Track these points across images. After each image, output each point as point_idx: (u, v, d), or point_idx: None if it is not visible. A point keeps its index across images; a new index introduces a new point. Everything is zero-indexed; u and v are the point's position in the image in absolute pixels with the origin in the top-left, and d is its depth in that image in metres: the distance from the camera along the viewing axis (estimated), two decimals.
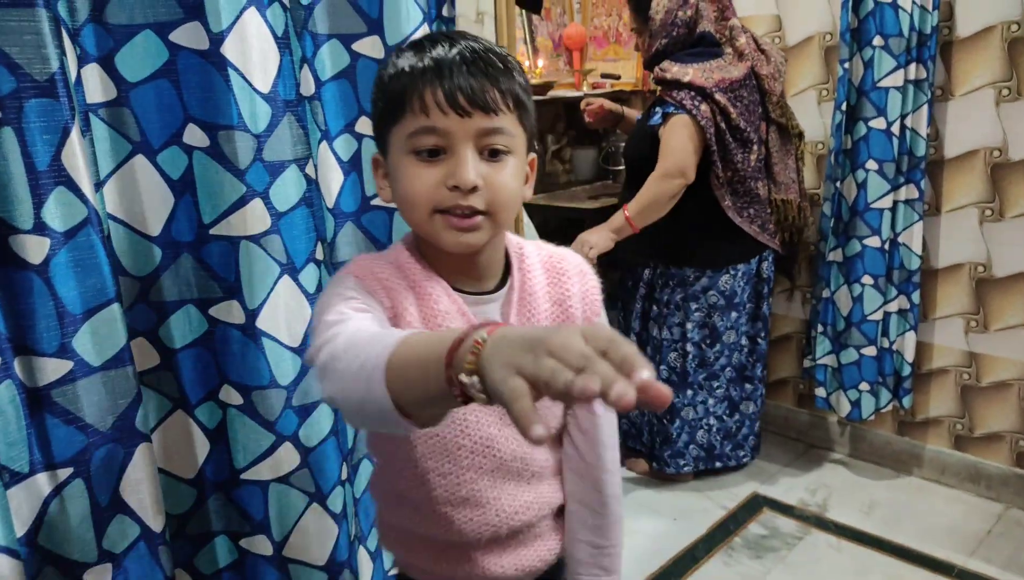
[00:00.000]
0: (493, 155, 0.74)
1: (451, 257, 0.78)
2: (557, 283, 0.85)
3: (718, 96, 1.94)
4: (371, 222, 1.20)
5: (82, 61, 0.93)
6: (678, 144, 1.98)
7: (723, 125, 1.96)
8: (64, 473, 0.85)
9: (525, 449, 0.83)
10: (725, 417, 2.26)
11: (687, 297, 2.16)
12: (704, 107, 1.95)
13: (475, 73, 0.72)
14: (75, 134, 0.79)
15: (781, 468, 2.40)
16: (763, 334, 2.26)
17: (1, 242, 0.79)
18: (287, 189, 1.02)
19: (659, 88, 2.06)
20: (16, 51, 0.76)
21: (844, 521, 2.11)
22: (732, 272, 2.14)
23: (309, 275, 1.06)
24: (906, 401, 2.24)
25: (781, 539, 2.05)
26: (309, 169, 1.06)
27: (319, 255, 1.09)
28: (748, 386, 2.27)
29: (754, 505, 2.21)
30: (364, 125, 1.16)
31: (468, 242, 0.75)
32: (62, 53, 0.79)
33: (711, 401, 2.23)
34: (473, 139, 0.73)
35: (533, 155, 0.82)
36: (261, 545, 1.07)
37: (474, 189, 0.72)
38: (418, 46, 0.75)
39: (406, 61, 0.74)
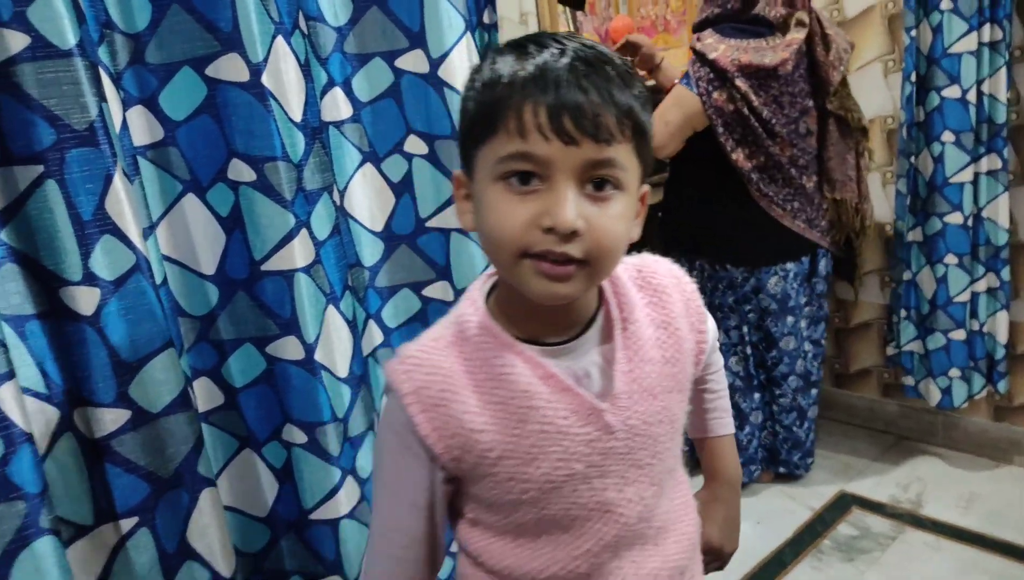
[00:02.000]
0: (599, 188, 0.61)
1: (538, 314, 0.67)
2: (657, 303, 0.73)
3: (739, 82, 1.83)
4: (427, 244, 1.17)
5: (127, 105, 0.93)
6: (662, 115, 1.91)
7: (746, 111, 1.86)
8: (128, 523, 0.84)
9: (651, 507, 0.72)
10: (795, 427, 2.15)
11: (738, 300, 2.06)
12: (718, 95, 1.85)
13: (587, 88, 0.58)
14: (118, 180, 0.78)
15: (869, 463, 2.28)
16: (824, 336, 2.15)
17: (52, 295, 0.78)
18: (322, 217, 1.00)
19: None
20: (54, 102, 0.75)
21: (941, 518, 1.99)
22: (781, 273, 2.02)
23: (347, 303, 1.04)
24: (1002, 385, 2.10)
25: (873, 539, 1.94)
26: (335, 196, 1.04)
27: (350, 281, 1.07)
28: (814, 391, 2.16)
29: (842, 504, 2.10)
30: (413, 144, 1.13)
31: (558, 293, 0.62)
32: (101, 100, 0.78)
33: (775, 408, 2.13)
34: (577, 172, 0.59)
35: (646, 187, 0.68)
36: None
37: (573, 234, 0.59)
38: (520, 48, 0.62)
39: (504, 66, 0.61)
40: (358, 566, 1.07)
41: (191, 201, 0.97)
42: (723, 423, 0.89)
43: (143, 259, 0.81)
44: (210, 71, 0.92)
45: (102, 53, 0.88)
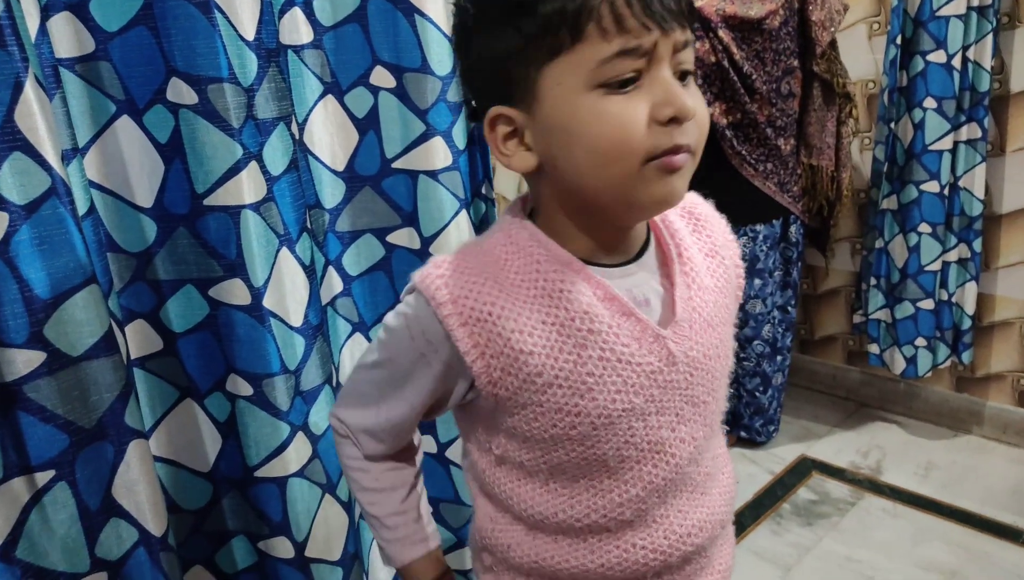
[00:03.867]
0: (683, 79, 0.57)
1: (605, 228, 0.61)
2: (702, 231, 0.69)
3: (722, 32, 1.76)
4: (393, 187, 1.08)
5: (49, 10, 0.82)
6: None
7: (727, 63, 1.79)
8: (44, 477, 0.75)
9: (702, 449, 0.67)
10: (758, 393, 2.13)
11: None
12: (699, 44, 1.78)
13: None
14: (31, 90, 0.68)
15: (830, 429, 2.28)
16: (793, 302, 2.11)
17: None
18: (277, 150, 0.91)
19: None
20: None
21: (900, 484, 1.99)
22: (751, 234, 1.97)
23: (304, 246, 0.95)
24: (966, 356, 2.10)
25: (832, 504, 1.94)
26: (293, 128, 0.95)
27: (308, 223, 0.98)
28: (779, 358, 2.13)
29: (802, 469, 2.09)
30: (379, 77, 1.04)
31: (677, 191, 0.58)
32: None
33: (739, 371, 2.10)
34: (672, 57, 0.56)
35: None
36: (282, 547, 0.98)
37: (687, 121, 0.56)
38: None
39: None
40: (307, 528, 1.00)
41: (125, 123, 0.87)
42: None
43: (61, 183, 0.71)
44: None
45: None
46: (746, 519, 1.90)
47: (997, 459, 2.09)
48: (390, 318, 0.65)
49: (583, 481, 0.64)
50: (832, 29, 1.86)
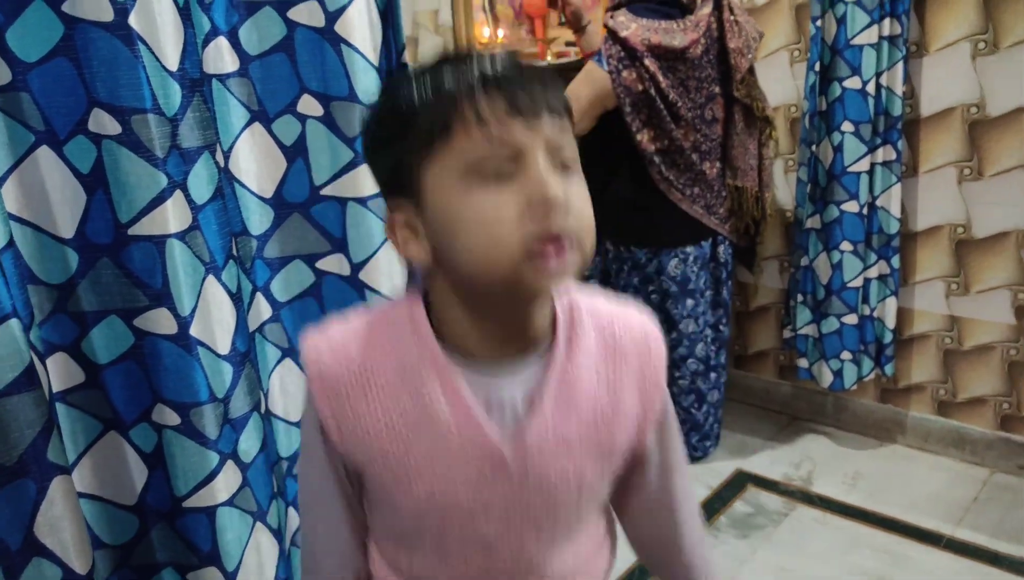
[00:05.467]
0: (563, 169, 0.59)
1: (497, 318, 0.63)
2: (611, 359, 0.68)
3: (647, 61, 1.83)
4: (322, 214, 1.09)
5: None
6: (573, 91, 1.87)
7: (653, 92, 1.86)
8: None
9: (531, 553, 0.69)
10: (693, 410, 2.18)
11: (642, 281, 2.07)
12: (627, 73, 1.84)
13: (530, 78, 0.59)
14: None
15: (764, 442, 2.34)
16: (724, 321, 2.18)
17: None
18: (201, 179, 0.91)
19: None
20: None
21: (829, 494, 2.06)
22: (681, 256, 2.04)
23: (230, 273, 0.95)
24: (888, 368, 2.19)
25: (767, 516, 2.00)
26: (218, 156, 0.95)
27: (234, 250, 0.99)
28: (713, 375, 2.19)
29: (738, 482, 2.15)
30: (307, 105, 1.05)
31: (555, 283, 0.59)
32: None
33: (674, 389, 2.15)
34: (543, 149, 0.58)
35: None
36: (212, 578, 0.97)
37: (565, 204, 0.57)
38: (441, 62, 0.60)
39: (435, 77, 0.58)
40: (237, 557, 0.99)
41: (46, 154, 0.86)
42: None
43: None
44: (67, 7, 0.81)
45: None
46: None
47: (920, 467, 2.18)
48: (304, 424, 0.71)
49: (418, 550, 0.69)
50: (749, 56, 1.94)
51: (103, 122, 0.85)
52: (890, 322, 2.14)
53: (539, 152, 0.57)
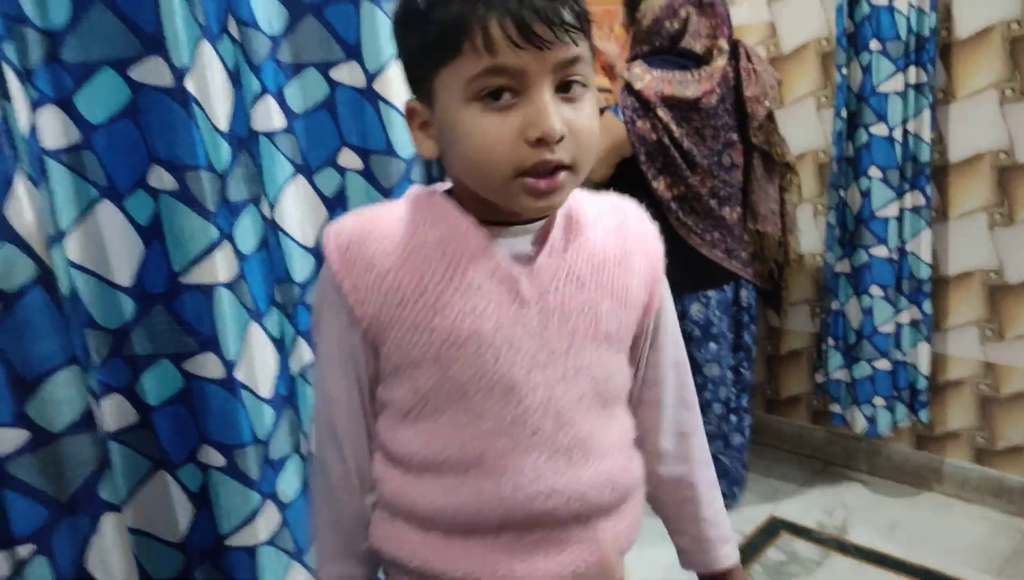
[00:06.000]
0: (568, 89, 0.60)
1: (495, 213, 0.66)
2: (611, 213, 0.72)
3: (660, 112, 1.88)
4: None
5: (38, 104, 0.88)
6: None
7: (667, 141, 1.90)
8: (25, 550, 0.78)
9: (561, 406, 0.67)
10: (720, 455, 2.17)
11: None
12: (641, 123, 1.89)
13: None
14: (21, 186, 0.73)
15: (797, 488, 2.32)
16: (746, 364, 2.17)
17: None
18: (248, 230, 0.97)
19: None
20: None
21: (865, 543, 2.03)
22: (703, 300, 2.05)
23: (273, 320, 1.00)
24: (923, 415, 2.16)
25: (800, 564, 1.97)
26: (264, 208, 1.01)
27: (278, 297, 1.03)
28: (734, 418, 2.18)
29: (771, 529, 2.12)
30: (347, 159, 1.11)
31: (550, 205, 0.63)
32: (4, 99, 0.73)
33: None
34: (550, 76, 0.59)
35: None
36: None
37: (560, 140, 0.59)
38: None
39: None
40: None
41: (107, 208, 0.92)
42: (724, 552, 0.83)
43: (47, 271, 0.76)
44: (134, 73, 0.88)
45: (8, 48, 0.83)
46: None
47: (958, 516, 2.14)
48: (318, 306, 0.72)
49: (445, 416, 0.67)
50: (767, 103, 1.99)
51: (161, 178, 0.91)
52: (924, 368, 2.13)
53: (544, 79, 0.59)
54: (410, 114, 0.67)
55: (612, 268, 0.69)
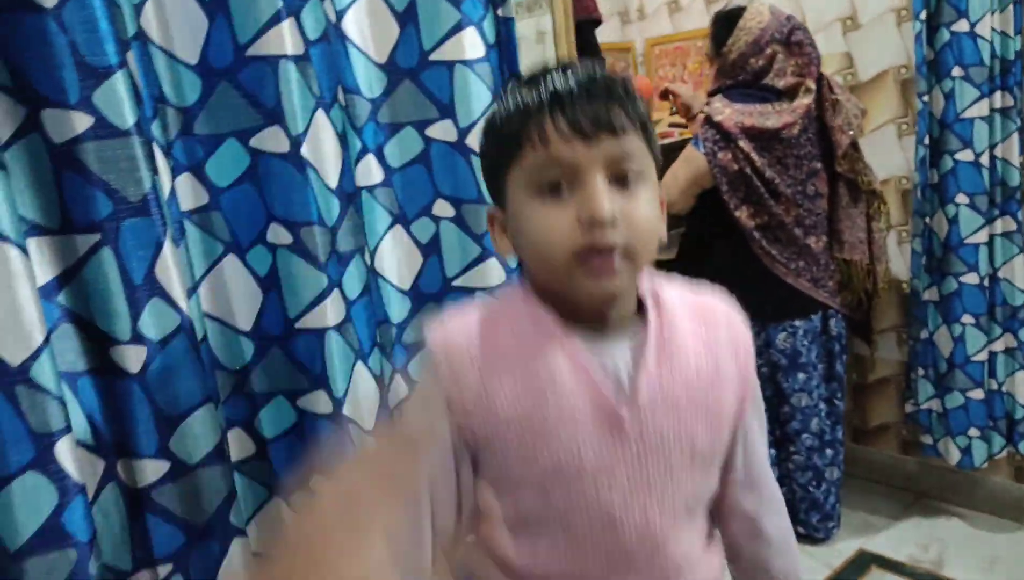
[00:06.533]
0: (624, 183, 0.66)
1: (578, 312, 0.69)
2: (702, 324, 0.74)
3: (742, 143, 1.90)
4: (454, 303, 1.22)
5: (175, 172, 0.99)
6: (671, 174, 2.00)
7: (748, 171, 1.92)
8: (164, 570, 0.88)
9: (656, 531, 0.70)
10: (811, 488, 2.14)
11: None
12: (722, 154, 1.92)
13: (597, 96, 0.65)
14: (167, 247, 0.84)
15: (888, 521, 2.26)
16: (839, 395, 2.15)
17: (103, 354, 0.84)
18: (354, 278, 1.05)
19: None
20: (112, 177, 0.81)
21: (962, 579, 1.97)
22: (790, 330, 2.05)
23: (375, 359, 1.08)
24: (1022, 446, 2.09)
25: None
26: (366, 257, 1.10)
27: (378, 338, 1.11)
28: (830, 451, 2.15)
29: (861, 563, 2.08)
30: (440, 208, 1.19)
31: (606, 289, 0.67)
32: (154, 173, 0.84)
33: (790, 466, 2.13)
34: (602, 166, 0.65)
35: (662, 194, 0.72)
36: None
37: (612, 222, 0.64)
38: (530, 80, 0.68)
39: (519, 97, 0.68)
40: None
41: (231, 261, 1.03)
42: None
43: (187, 320, 0.86)
44: (254, 142, 0.98)
45: (155, 126, 0.94)
46: None
47: None
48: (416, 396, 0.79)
49: (544, 537, 0.71)
50: (851, 132, 1.99)
51: (278, 233, 1.01)
52: (1021, 397, 2.06)
53: (596, 171, 0.64)
54: (490, 220, 0.75)
55: (706, 387, 0.72)
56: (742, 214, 1.97)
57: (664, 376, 0.70)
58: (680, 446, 0.70)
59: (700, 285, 0.79)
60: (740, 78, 1.98)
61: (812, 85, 1.94)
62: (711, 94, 2.05)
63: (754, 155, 1.91)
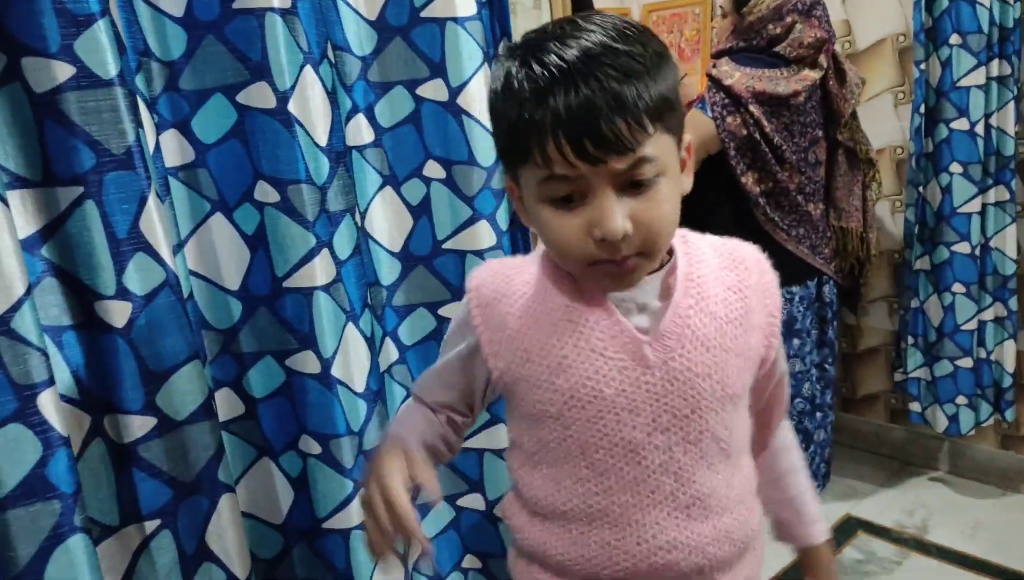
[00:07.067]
0: (638, 187, 0.63)
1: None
2: (731, 269, 0.73)
3: (752, 108, 1.88)
4: (443, 265, 1.21)
5: (160, 128, 0.98)
6: None
7: (758, 136, 1.90)
8: (151, 525, 0.88)
9: (681, 466, 0.70)
10: (800, 450, 2.16)
11: None
12: (732, 119, 1.89)
13: (601, 99, 0.59)
14: (152, 202, 0.83)
15: (875, 488, 2.29)
16: (830, 360, 2.16)
17: (87, 308, 0.83)
18: (344, 238, 1.04)
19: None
20: (95, 129, 0.79)
21: (946, 544, 2.00)
22: (787, 296, 2.05)
23: (366, 320, 1.08)
24: (1009, 414, 2.11)
25: (878, 564, 1.95)
26: (357, 217, 1.09)
27: (369, 300, 1.11)
28: (819, 414, 2.17)
29: (848, 528, 2.11)
30: (431, 169, 1.18)
31: (627, 285, 0.68)
32: (138, 126, 0.83)
33: None
34: (612, 180, 0.62)
35: (688, 139, 0.71)
36: None
37: (624, 237, 0.63)
38: (528, 57, 0.62)
39: (518, 86, 0.62)
40: (368, 577, 1.10)
41: (218, 220, 1.02)
42: (814, 529, 0.86)
43: (173, 275, 0.86)
44: (240, 98, 0.97)
45: (139, 80, 0.93)
46: (791, 578, 1.92)
47: None
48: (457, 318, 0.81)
49: (566, 467, 0.72)
50: (852, 101, 1.97)
51: (266, 192, 1.00)
52: (1009, 366, 2.07)
53: (605, 186, 0.62)
54: (510, 189, 0.73)
55: (735, 328, 0.72)
56: (748, 180, 1.95)
57: (692, 314, 0.70)
58: (709, 382, 0.70)
59: (732, 240, 0.79)
60: (755, 42, 1.95)
61: (824, 62, 1.92)
62: (717, 56, 2.02)
63: (764, 120, 1.89)
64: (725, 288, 0.72)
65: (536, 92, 0.61)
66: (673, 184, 0.66)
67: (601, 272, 0.66)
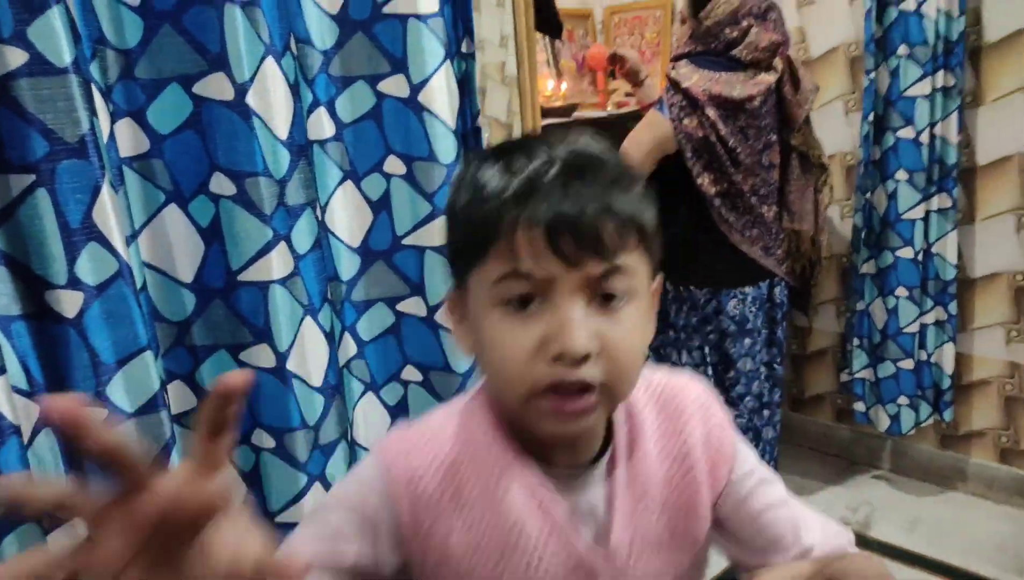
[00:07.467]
0: (608, 301, 0.54)
1: (541, 439, 0.61)
2: (673, 431, 0.65)
3: (709, 110, 1.92)
4: (403, 261, 1.21)
5: (115, 117, 0.96)
6: (635, 137, 2.00)
7: (713, 138, 1.95)
8: None
9: None
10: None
11: (700, 321, 2.14)
12: (689, 121, 1.94)
13: (584, 200, 0.52)
14: (106, 191, 0.82)
15: (821, 485, 2.36)
16: (778, 359, 2.22)
17: (38, 298, 0.81)
18: (304, 232, 1.04)
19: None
20: (49, 117, 0.78)
21: (887, 539, 2.07)
22: (740, 296, 2.10)
23: (325, 314, 1.08)
24: (947, 414, 2.19)
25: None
26: (318, 212, 1.09)
27: (329, 294, 1.11)
28: (767, 412, 2.23)
29: None
30: (392, 165, 1.18)
31: (574, 431, 0.57)
32: (92, 114, 0.82)
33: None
34: (582, 289, 0.53)
35: (658, 279, 0.62)
36: None
37: (586, 358, 0.53)
38: (505, 155, 0.55)
39: (489, 178, 0.54)
40: None
41: (173, 211, 1.01)
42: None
43: (125, 266, 0.85)
44: (197, 88, 0.96)
45: (93, 68, 0.91)
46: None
47: (982, 515, 2.16)
48: (348, 476, 0.66)
49: None
50: (806, 107, 2.02)
51: (221, 184, 0.99)
52: (948, 367, 2.16)
53: (573, 294, 0.53)
54: (451, 307, 0.62)
55: (681, 512, 0.65)
56: (704, 181, 2.00)
57: (638, 518, 0.63)
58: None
59: (671, 373, 0.71)
60: (712, 46, 1.99)
61: (779, 66, 1.97)
62: (676, 59, 2.06)
63: (720, 123, 1.93)
64: (669, 461, 0.64)
65: (508, 170, 0.55)
66: (643, 316, 0.58)
67: (548, 407, 0.54)
